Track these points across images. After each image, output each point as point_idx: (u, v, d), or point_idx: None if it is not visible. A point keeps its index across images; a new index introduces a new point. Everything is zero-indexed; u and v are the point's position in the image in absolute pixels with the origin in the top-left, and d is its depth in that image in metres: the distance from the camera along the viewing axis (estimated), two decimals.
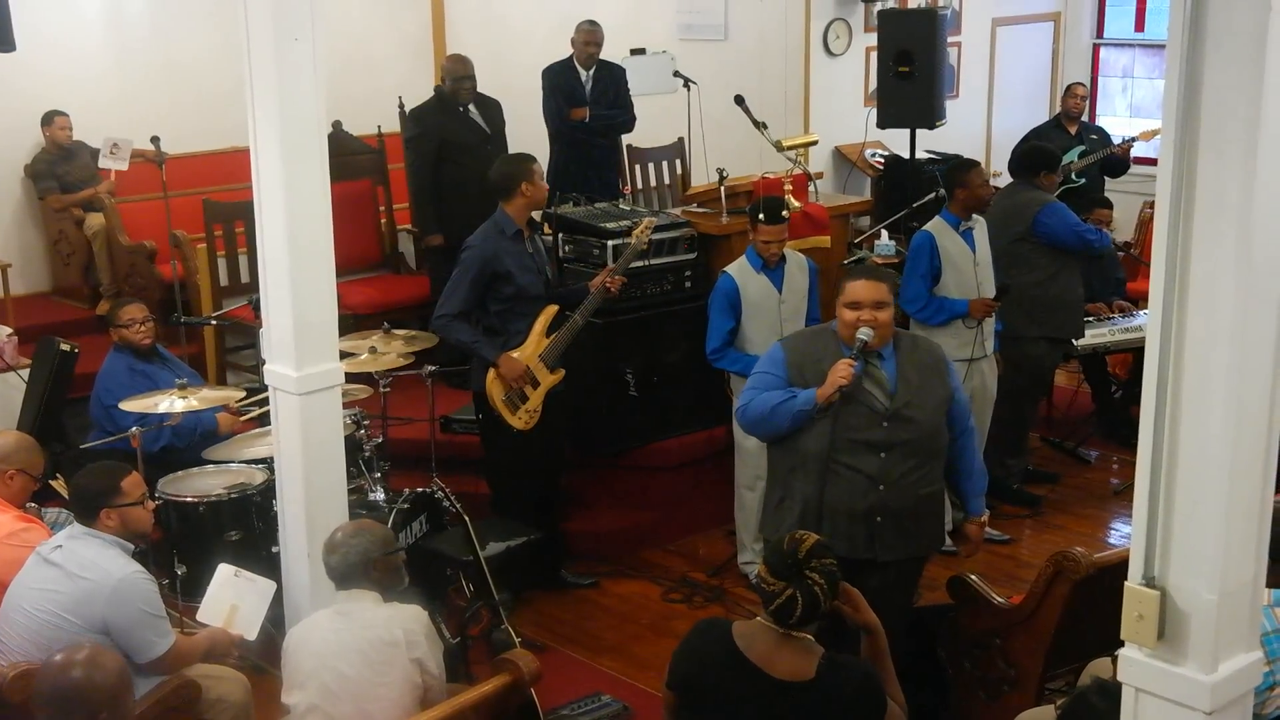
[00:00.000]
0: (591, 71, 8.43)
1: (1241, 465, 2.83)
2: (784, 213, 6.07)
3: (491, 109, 8.17)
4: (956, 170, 6.70)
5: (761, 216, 5.88)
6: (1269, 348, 2.84)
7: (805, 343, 4.70)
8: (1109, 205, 8.46)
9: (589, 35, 8.43)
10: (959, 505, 4.93)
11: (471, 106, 8.05)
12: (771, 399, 4.53)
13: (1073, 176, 8.88)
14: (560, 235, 6.93)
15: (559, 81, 8.39)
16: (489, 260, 5.89)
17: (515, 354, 5.92)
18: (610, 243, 6.66)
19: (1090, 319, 7.77)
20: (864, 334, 4.47)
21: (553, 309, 6.02)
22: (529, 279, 5.97)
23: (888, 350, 4.56)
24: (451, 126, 7.98)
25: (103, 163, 8.18)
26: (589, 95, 8.41)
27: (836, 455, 4.47)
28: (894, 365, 4.56)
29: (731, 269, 6.05)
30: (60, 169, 8.65)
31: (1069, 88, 9.76)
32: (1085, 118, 9.83)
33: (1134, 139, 9.26)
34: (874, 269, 4.84)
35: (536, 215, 6.29)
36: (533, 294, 5.99)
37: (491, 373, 5.91)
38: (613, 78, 8.51)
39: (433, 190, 7.98)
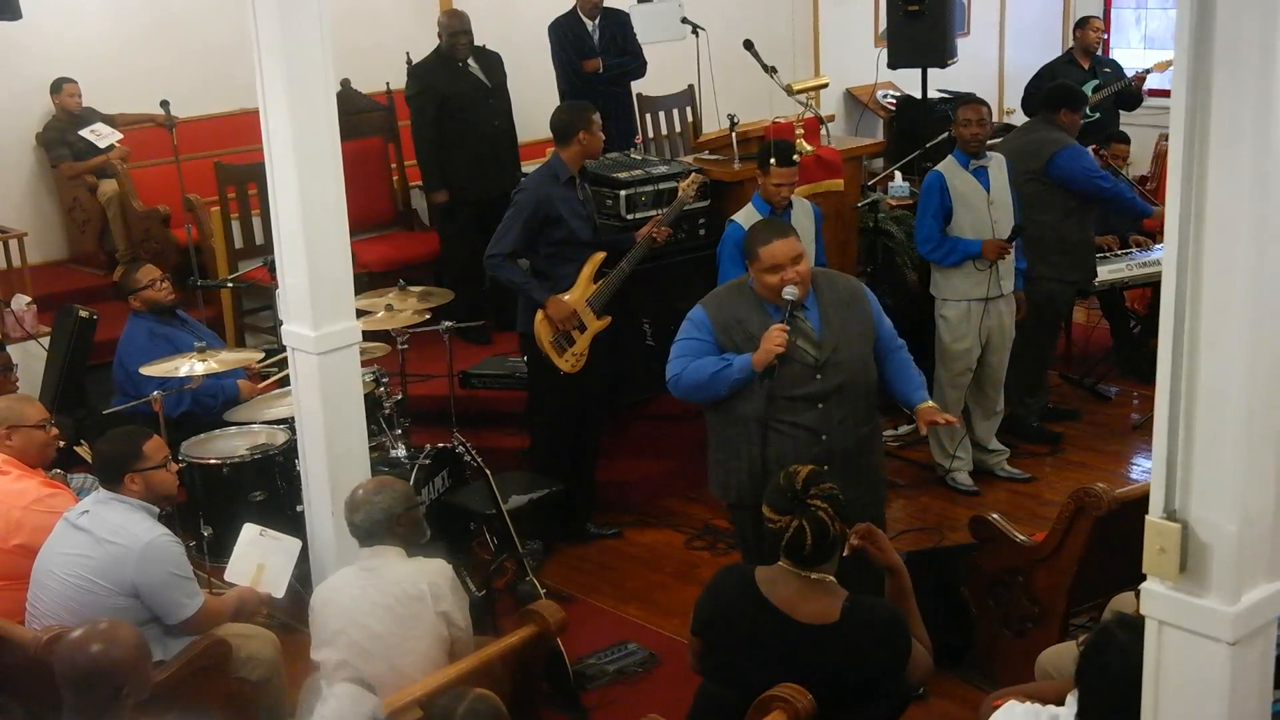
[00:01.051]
0: (597, 21, 8.37)
1: (1259, 396, 2.82)
2: (795, 156, 6.03)
3: (491, 62, 8.13)
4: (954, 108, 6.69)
5: (774, 160, 5.85)
6: None
7: (727, 303, 4.62)
8: (1126, 140, 8.40)
9: None
10: (908, 410, 4.85)
11: (471, 61, 8.01)
12: (706, 367, 4.49)
13: (1087, 110, 8.80)
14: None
15: (567, 35, 8.34)
16: (542, 203, 5.96)
17: (565, 297, 5.97)
18: (623, 192, 6.65)
19: (1106, 254, 7.74)
20: (790, 293, 4.42)
21: (600, 255, 6.10)
22: (579, 224, 6.05)
23: (809, 298, 4.52)
24: (452, 82, 7.95)
25: (100, 143, 8.25)
26: (598, 45, 8.36)
27: (775, 414, 4.45)
28: (816, 312, 4.53)
29: (739, 217, 6.01)
30: (71, 136, 8.63)
31: (1087, 20, 9.63)
32: (1099, 51, 9.73)
33: (1149, 70, 9.17)
34: (776, 223, 4.73)
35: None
36: (582, 239, 6.06)
37: (540, 314, 5.97)
38: (619, 24, 8.45)
39: (435, 147, 7.96)
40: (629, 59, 8.45)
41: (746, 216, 5.87)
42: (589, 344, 6.08)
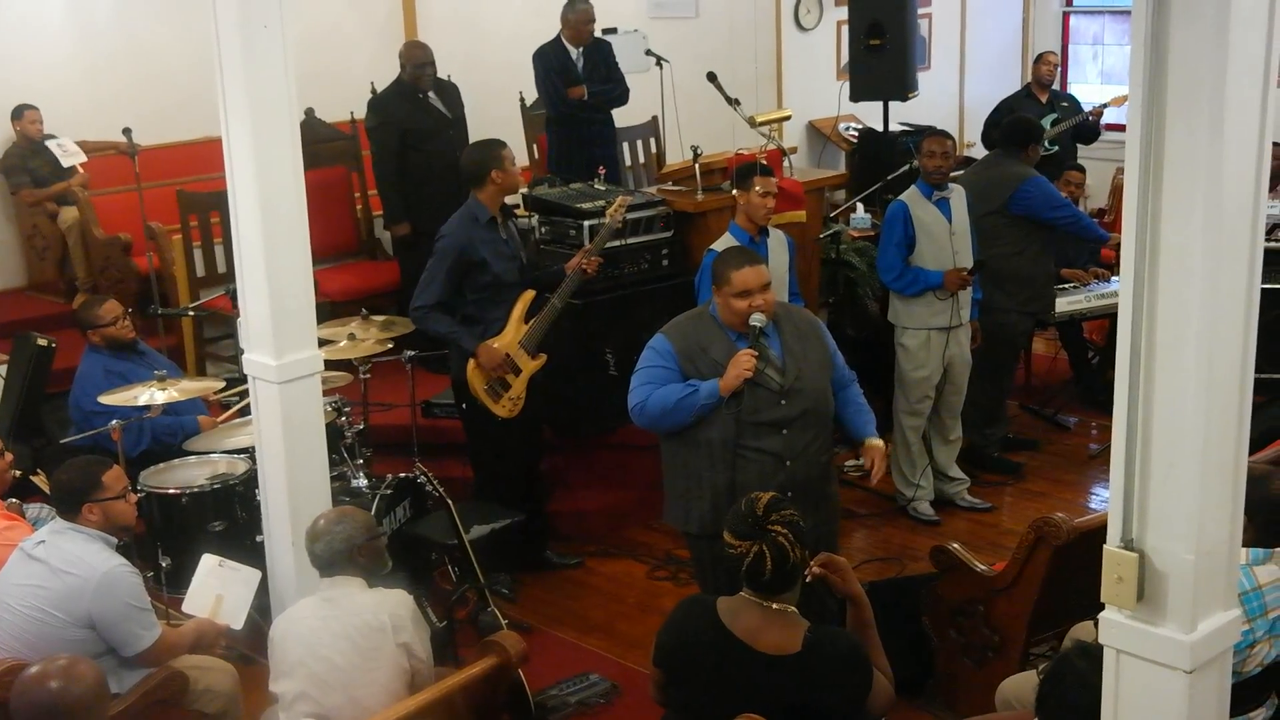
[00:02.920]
0: (582, 49, 8.40)
1: (1215, 427, 2.86)
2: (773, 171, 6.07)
3: (450, 94, 8.15)
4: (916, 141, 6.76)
5: (755, 174, 5.88)
6: (1240, 310, 2.86)
7: (688, 331, 4.64)
8: (1081, 169, 8.50)
9: (585, 14, 8.33)
10: (857, 443, 4.90)
11: (431, 93, 8.02)
12: (672, 394, 4.50)
13: (1046, 144, 8.91)
14: (536, 217, 6.92)
15: (553, 63, 8.34)
16: (463, 249, 5.87)
17: (494, 342, 5.90)
18: (586, 223, 6.66)
19: (1066, 286, 7.81)
20: (758, 320, 4.46)
21: (529, 294, 6.00)
22: (504, 266, 5.94)
23: (770, 328, 4.56)
24: (413, 114, 7.97)
25: (65, 162, 8.21)
26: (583, 73, 8.38)
27: (743, 440, 4.47)
28: (778, 341, 4.57)
29: (717, 246, 6.02)
30: (32, 163, 8.60)
31: (1040, 56, 9.78)
32: (1056, 85, 9.86)
33: (1105, 105, 9.30)
34: (747, 253, 4.77)
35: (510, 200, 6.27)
36: (509, 281, 5.96)
37: (471, 363, 5.90)
38: (601, 53, 8.48)
39: (397, 178, 7.96)
40: (612, 86, 8.47)
41: (724, 245, 5.87)
42: (525, 386, 5.98)
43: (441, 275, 5.88)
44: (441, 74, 8.16)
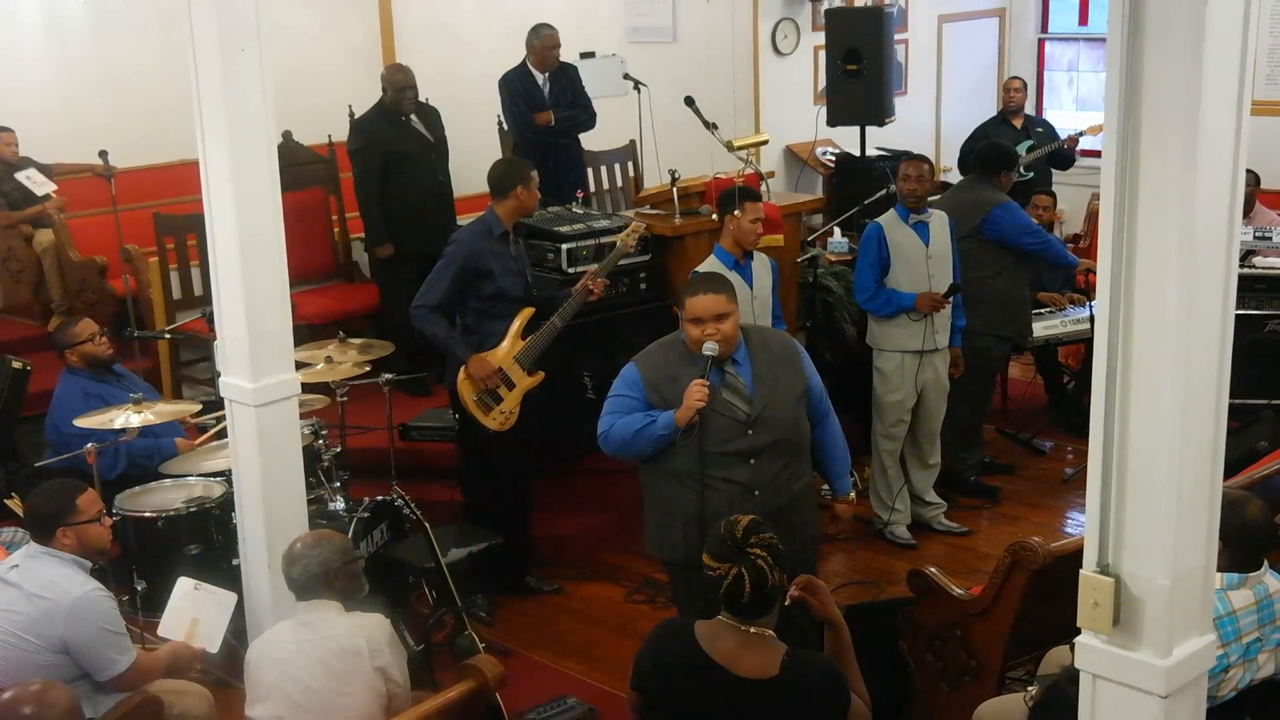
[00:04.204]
0: (548, 75, 8.42)
1: (1191, 452, 2.88)
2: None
3: (431, 117, 8.16)
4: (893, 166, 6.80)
5: (747, 200, 5.90)
6: (1214, 335, 2.89)
7: (659, 360, 4.62)
8: (1050, 194, 8.56)
9: (550, 39, 8.36)
10: (830, 488, 4.96)
11: (413, 116, 8.04)
12: (631, 424, 4.48)
13: (1021, 170, 8.97)
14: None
15: (518, 89, 8.36)
16: (472, 257, 5.92)
17: (488, 355, 5.93)
18: (564, 246, 6.67)
19: (1042, 310, 7.85)
20: (709, 349, 4.42)
21: (529, 311, 6.03)
22: (509, 281, 5.99)
23: (740, 353, 4.53)
24: (395, 137, 7.97)
25: (37, 192, 8.19)
26: (548, 98, 8.40)
27: (708, 470, 4.45)
28: (749, 368, 4.54)
29: (702, 269, 6.03)
30: (6, 186, 8.56)
31: (1006, 82, 9.85)
32: (1032, 111, 9.92)
33: (1081, 133, 9.37)
34: (711, 278, 4.76)
35: None
36: (512, 296, 6.00)
37: (463, 372, 5.92)
38: (568, 78, 8.50)
39: (379, 201, 7.97)
40: (579, 111, 8.49)
41: (709, 267, 5.87)
42: (519, 402, 6.01)
43: (446, 279, 5.93)
44: (420, 97, 8.17)
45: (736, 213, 5.90)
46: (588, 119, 8.55)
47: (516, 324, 6.00)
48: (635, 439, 4.49)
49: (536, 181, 6.08)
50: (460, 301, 5.99)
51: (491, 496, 6.17)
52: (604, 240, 6.75)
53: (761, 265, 6.10)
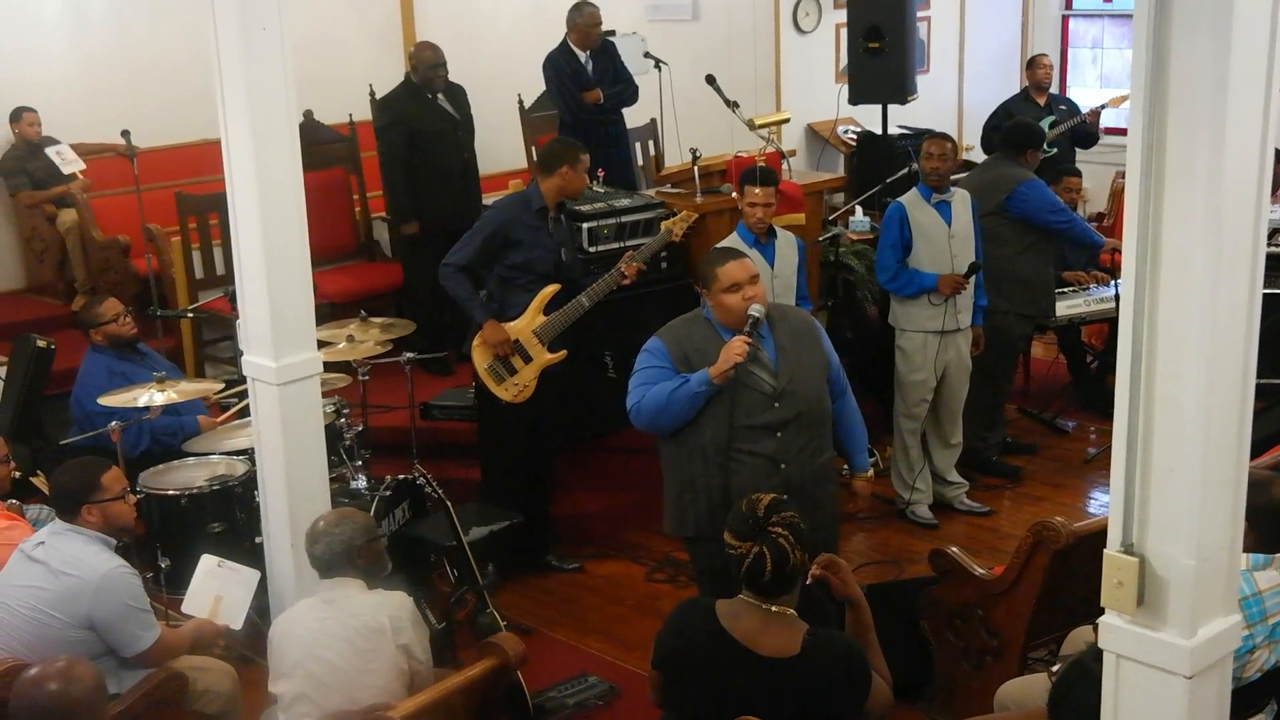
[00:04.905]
0: (589, 53, 8.39)
1: (1216, 431, 2.86)
2: (776, 179, 6.07)
3: (458, 95, 8.15)
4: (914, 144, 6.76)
5: (750, 181, 5.89)
6: (1241, 313, 2.86)
7: (683, 333, 4.62)
8: (1078, 174, 8.50)
9: (592, 17, 8.30)
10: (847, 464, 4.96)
11: (440, 94, 8.03)
12: (664, 389, 4.48)
13: (1044, 147, 8.91)
14: None
15: (564, 69, 8.32)
16: (505, 225, 5.96)
17: (506, 325, 5.94)
18: (586, 225, 6.67)
19: (1065, 290, 7.81)
20: (756, 310, 4.44)
21: (553, 288, 6.01)
22: (539, 254, 5.99)
23: (764, 329, 4.54)
24: (422, 114, 7.97)
25: (65, 170, 8.21)
26: (593, 76, 8.37)
27: (736, 443, 4.45)
28: (772, 343, 4.55)
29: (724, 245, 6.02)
30: (31, 165, 8.60)
31: (1034, 59, 9.79)
32: (1055, 89, 9.85)
33: (1103, 106, 9.29)
34: (727, 250, 4.80)
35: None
36: (539, 270, 6.00)
37: (478, 337, 5.94)
38: (608, 54, 8.47)
39: (405, 178, 7.97)
40: (623, 86, 8.46)
41: (733, 245, 5.86)
42: (537, 376, 6.00)
43: (477, 242, 5.98)
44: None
45: (742, 193, 5.91)
46: (632, 93, 8.53)
47: (539, 300, 5.99)
48: (670, 402, 4.47)
49: (585, 166, 6.06)
50: (487, 267, 6.00)
51: (506, 474, 6.18)
52: (625, 220, 6.75)
53: (786, 244, 6.07)
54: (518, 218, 5.98)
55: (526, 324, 5.98)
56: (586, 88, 8.28)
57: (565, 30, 8.33)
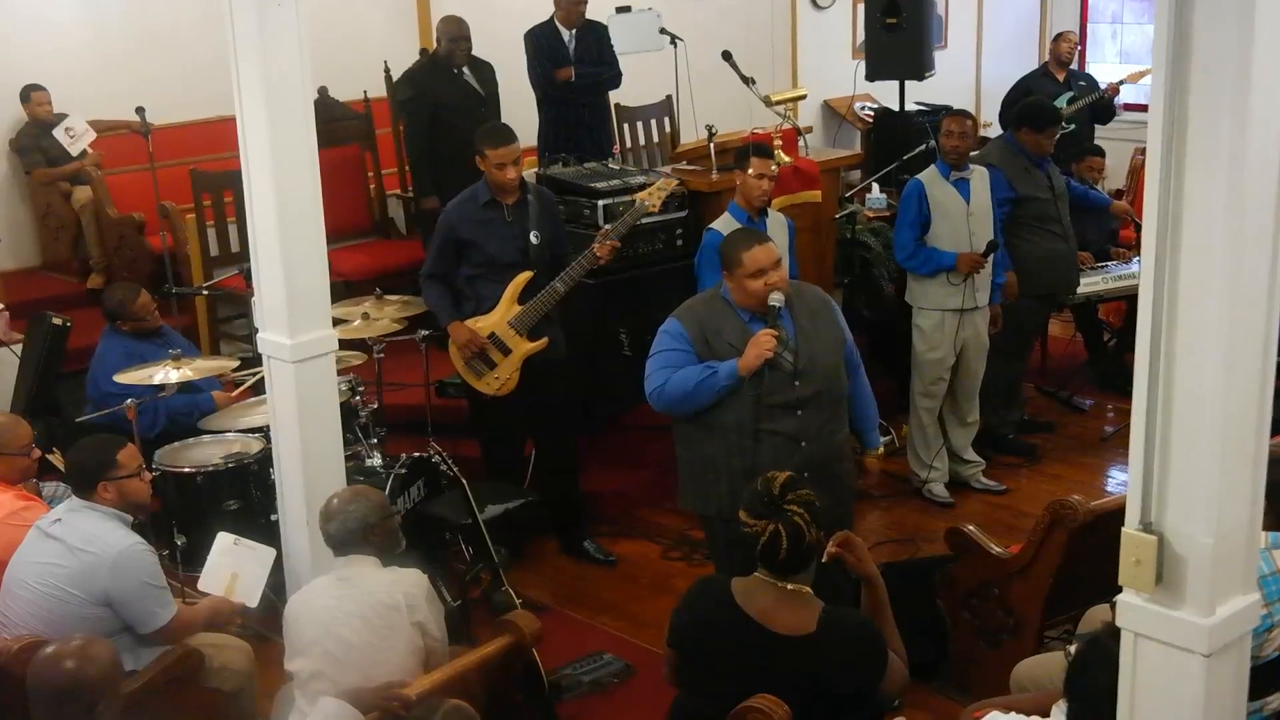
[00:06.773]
0: (574, 31, 8.35)
1: (1236, 409, 2.84)
2: (775, 155, 6.04)
3: (485, 71, 8.11)
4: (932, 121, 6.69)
5: (752, 153, 5.86)
6: (1262, 291, 2.84)
7: (701, 313, 4.61)
8: (1101, 153, 8.44)
9: None
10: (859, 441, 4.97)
11: (465, 69, 8.00)
12: (691, 376, 4.46)
13: (1064, 124, 8.84)
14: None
15: (542, 44, 8.31)
16: (452, 228, 5.89)
17: (478, 321, 5.87)
18: (600, 202, 6.64)
19: (1083, 267, 7.76)
20: (777, 299, 4.44)
21: (525, 276, 5.87)
22: (500, 246, 5.86)
23: (783, 306, 4.54)
24: (445, 89, 7.94)
25: (74, 148, 8.19)
26: (573, 54, 8.33)
27: (760, 423, 4.44)
28: (790, 320, 4.53)
29: (716, 225, 5.98)
30: (45, 143, 8.59)
31: (1060, 35, 9.72)
32: (1075, 64, 9.78)
33: (1122, 81, 9.23)
34: (753, 232, 4.79)
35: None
36: (506, 261, 5.87)
37: (450, 342, 5.93)
38: (595, 35, 8.42)
39: (427, 153, 7.94)
40: (603, 69, 8.40)
41: (724, 224, 5.82)
42: (518, 367, 5.89)
43: (434, 249, 5.97)
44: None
45: (744, 168, 5.85)
46: (611, 77, 8.45)
47: (510, 290, 5.86)
48: (697, 390, 4.46)
49: (500, 156, 5.81)
50: (454, 269, 5.95)
51: (499, 460, 6.15)
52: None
53: (777, 224, 6.04)
54: (464, 217, 5.87)
55: (501, 316, 5.87)
56: (562, 64, 8.23)
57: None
